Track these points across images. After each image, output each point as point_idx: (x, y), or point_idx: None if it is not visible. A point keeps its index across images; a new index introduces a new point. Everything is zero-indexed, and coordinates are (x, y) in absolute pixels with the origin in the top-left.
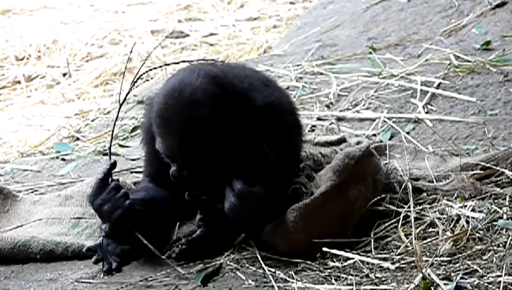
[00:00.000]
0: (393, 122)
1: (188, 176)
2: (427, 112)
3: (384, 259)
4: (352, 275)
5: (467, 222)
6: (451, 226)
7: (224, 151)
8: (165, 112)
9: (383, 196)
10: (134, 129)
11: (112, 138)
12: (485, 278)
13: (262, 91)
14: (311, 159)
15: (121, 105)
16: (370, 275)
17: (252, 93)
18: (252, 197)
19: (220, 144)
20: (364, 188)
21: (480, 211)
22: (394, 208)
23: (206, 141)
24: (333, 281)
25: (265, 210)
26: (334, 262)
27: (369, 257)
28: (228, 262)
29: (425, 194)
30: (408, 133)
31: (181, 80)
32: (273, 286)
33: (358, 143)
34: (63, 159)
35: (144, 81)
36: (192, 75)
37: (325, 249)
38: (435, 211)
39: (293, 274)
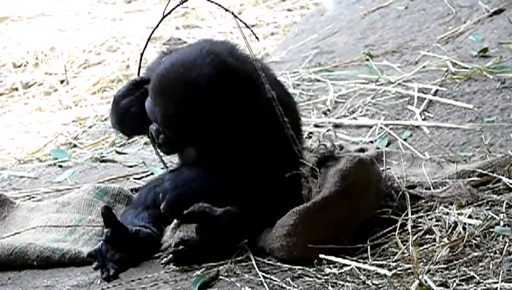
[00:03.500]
0: (390, 129)
1: (163, 140)
2: (424, 119)
3: (381, 266)
4: (349, 282)
5: (464, 228)
6: (448, 232)
7: (207, 132)
8: (163, 76)
9: (382, 203)
10: None
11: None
12: (482, 284)
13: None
14: (322, 148)
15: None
16: (367, 282)
17: (256, 85)
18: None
19: (205, 125)
20: (369, 196)
21: (477, 218)
22: (392, 215)
23: (191, 118)
24: (330, 287)
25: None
26: (331, 269)
27: (366, 263)
28: (225, 269)
29: (422, 201)
30: (405, 140)
31: (189, 52)
32: None
33: (362, 150)
34: (60, 166)
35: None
36: (200, 51)
37: (321, 255)
38: (432, 218)
39: (290, 281)
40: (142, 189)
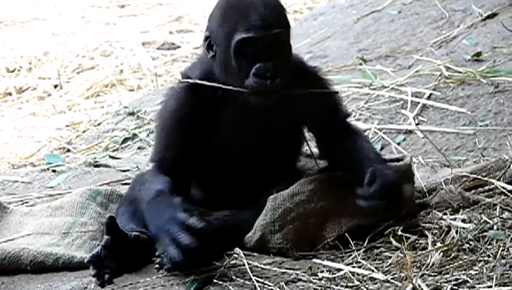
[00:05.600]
0: (383, 133)
1: (275, 72)
2: (417, 123)
3: (375, 270)
4: (342, 286)
5: (457, 232)
6: (441, 237)
7: None
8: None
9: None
10: (125, 141)
11: None
12: (476, 289)
13: None
14: None
15: None
16: (361, 286)
17: None
18: None
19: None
20: None
21: (470, 222)
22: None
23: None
24: None
25: None
26: (325, 273)
27: (360, 267)
28: (218, 274)
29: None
30: (399, 144)
31: None
32: None
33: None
34: (54, 171)
35: None
36: None
37: (315, 260)
38: (426, 222)
39: (284, 285)
40: (133, 183)
